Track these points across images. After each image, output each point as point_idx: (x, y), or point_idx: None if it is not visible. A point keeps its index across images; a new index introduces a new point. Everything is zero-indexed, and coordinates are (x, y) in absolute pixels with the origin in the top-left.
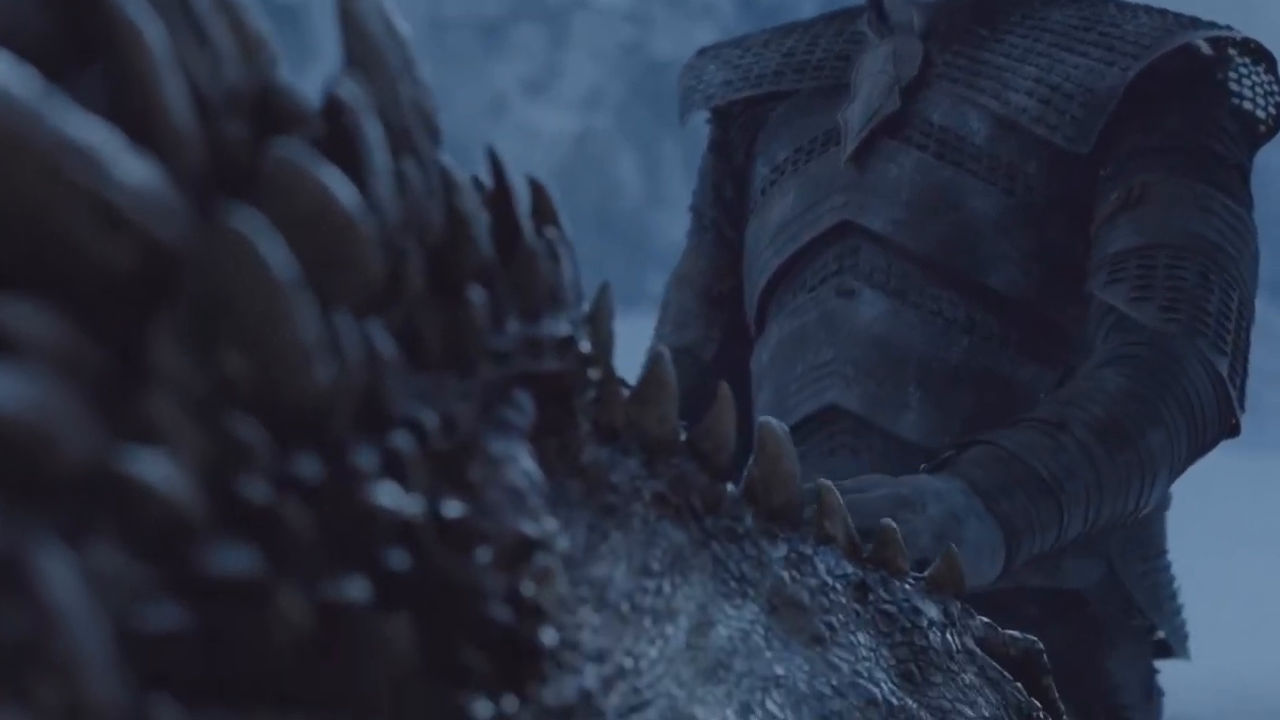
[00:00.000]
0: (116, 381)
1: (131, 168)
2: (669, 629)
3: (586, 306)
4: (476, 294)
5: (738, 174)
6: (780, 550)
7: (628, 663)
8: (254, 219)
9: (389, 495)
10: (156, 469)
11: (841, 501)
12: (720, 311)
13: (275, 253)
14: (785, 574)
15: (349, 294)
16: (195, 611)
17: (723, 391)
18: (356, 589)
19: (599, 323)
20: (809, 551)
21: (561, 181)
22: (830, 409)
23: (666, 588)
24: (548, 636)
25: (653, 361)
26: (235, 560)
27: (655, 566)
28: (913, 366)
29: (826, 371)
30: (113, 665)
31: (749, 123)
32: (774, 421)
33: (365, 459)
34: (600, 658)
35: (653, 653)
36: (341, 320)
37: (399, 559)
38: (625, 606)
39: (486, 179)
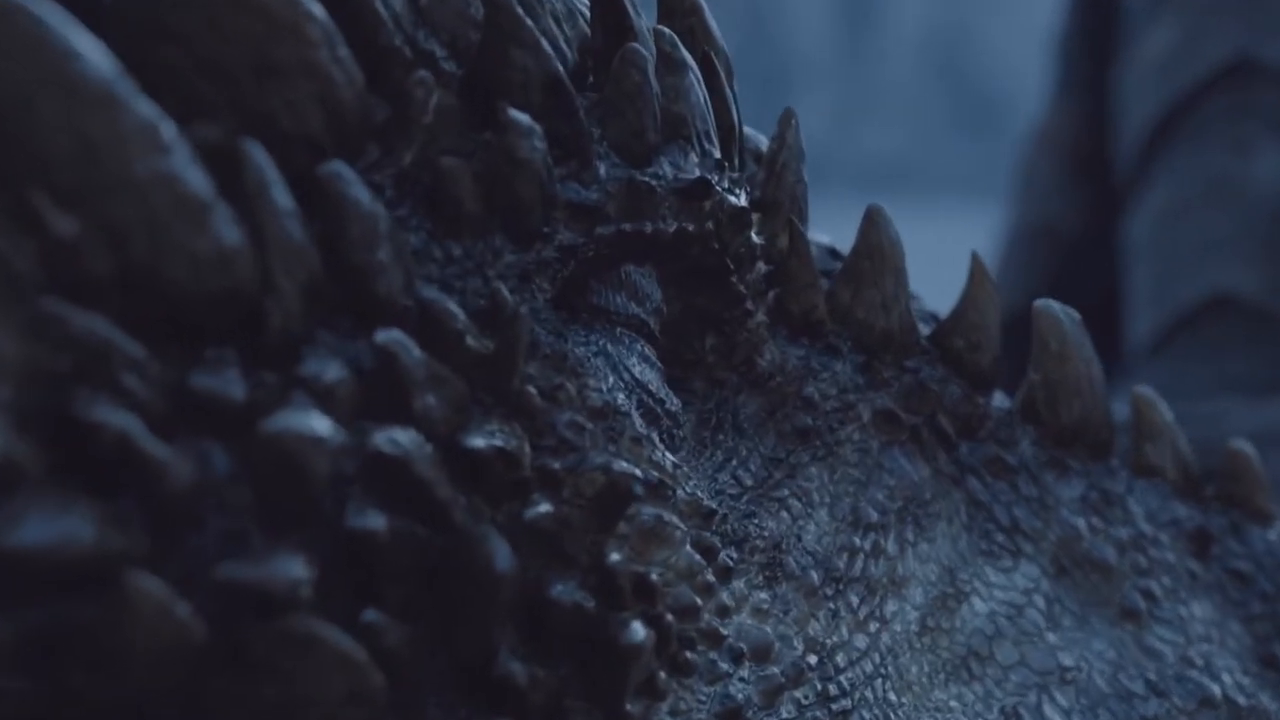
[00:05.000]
0: None
1: None
2: (890, 606)
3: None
4: (525, 119)
5: (1107, 3)
6: (1075, 488)
7: (812, 659)
8: None
9: (346, 423)
10: None
11: (1170, 418)
12: (1089, 175)
13: (78, 40)
14: (1081, 521)
15: (289, 118)
16: None
17: (976, 264)
18: (285, 567)
19: (780, 167)
20: (1119, 489)
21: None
22: (1222, 296)
23: (890, 546)
24: (642, 630)
25: (869, 221)
26: (59, 526)
27: (873, 516)
28: None
29: (1217, 248)
30: None
31: None
32: (1056, 305)
33: (322, 369)
34: (764, 654)
35: (860, 642)
36: (254, 156)
37: (370, 519)
38: (816, 576)
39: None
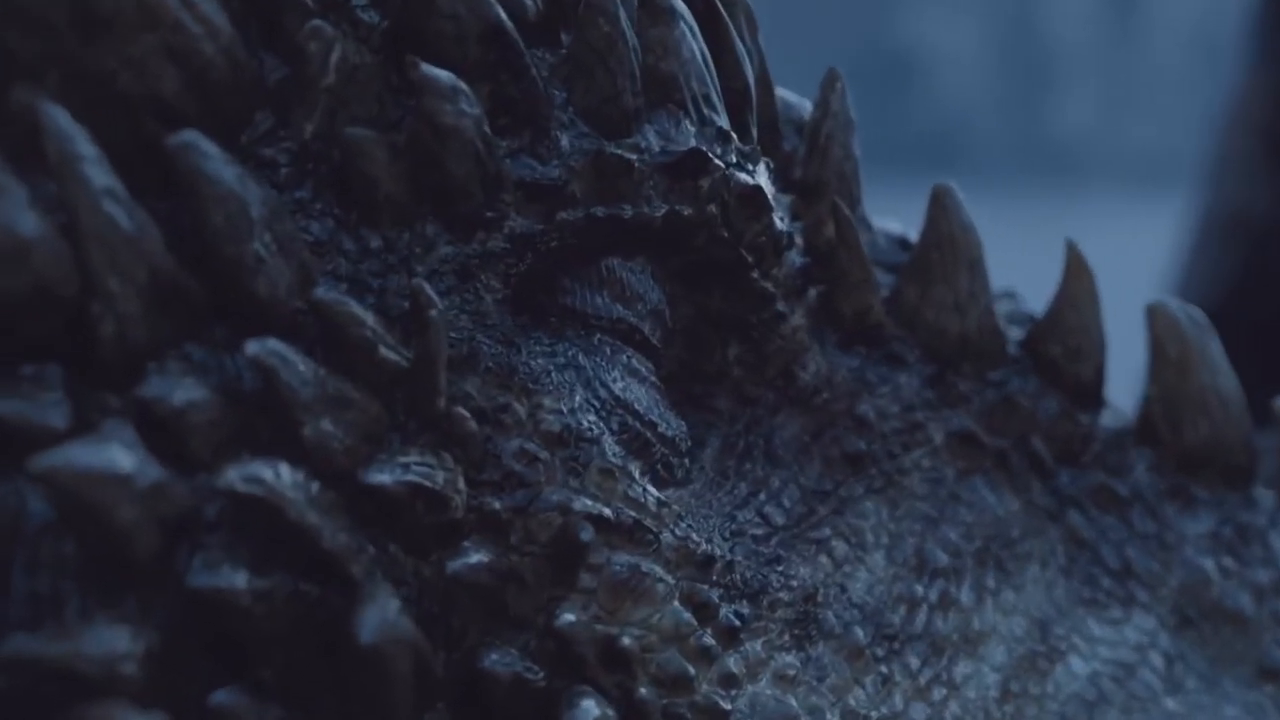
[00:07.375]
0: None
1: None
2: (962, 668)
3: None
4: (446, 76)
5: None
6: (1203, 522)
7: None
8: None
9: (203, 455)
10: None
11: None
12: None
13: None
14: (1210, 562)
15: (131, 78)
16: None
17: (1072, 255)
18: (101, 641)
19: (825, 140)
20: (1260, 523)
21: None
22: None
23: (964, 595)
24: (596, 709)
25: (937, 205)
26: None
27: (943, 559)
28: None
29: None
30: None
31: None
32: (1174, 304)
33: (168, 390)
34: None
35: (918, 713)
36: (55, 121)
37: (222, 577)
38: (863, 633)
39: None
